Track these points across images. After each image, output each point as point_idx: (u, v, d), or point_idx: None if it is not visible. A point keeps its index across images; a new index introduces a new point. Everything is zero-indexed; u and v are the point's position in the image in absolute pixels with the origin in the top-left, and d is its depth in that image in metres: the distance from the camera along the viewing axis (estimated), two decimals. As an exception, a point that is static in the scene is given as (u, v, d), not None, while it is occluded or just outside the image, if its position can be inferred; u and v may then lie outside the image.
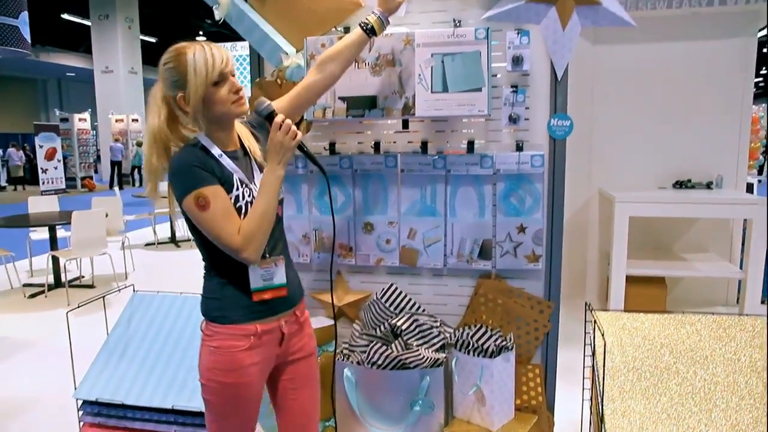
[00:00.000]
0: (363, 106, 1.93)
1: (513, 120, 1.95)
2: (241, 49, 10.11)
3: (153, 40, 20.85)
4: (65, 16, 17.77)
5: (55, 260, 5.58)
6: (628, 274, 3.65)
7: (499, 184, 2.00)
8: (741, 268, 3.94)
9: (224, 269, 1.45)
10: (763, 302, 4.22)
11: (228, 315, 1.45)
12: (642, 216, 3.71)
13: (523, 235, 2.00)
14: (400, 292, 2.12)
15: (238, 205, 1.40)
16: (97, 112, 18.39)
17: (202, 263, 1.50)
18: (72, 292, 5.37)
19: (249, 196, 1.43)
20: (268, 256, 1.47)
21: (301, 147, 1.48)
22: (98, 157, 19.75)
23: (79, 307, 2.44)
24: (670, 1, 3.82)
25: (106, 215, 5.85)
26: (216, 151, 1.42)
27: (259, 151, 1.52)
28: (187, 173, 1.36)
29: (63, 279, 5.60)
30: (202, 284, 1.51)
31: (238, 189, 1.41)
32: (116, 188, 7.51)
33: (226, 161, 1.42)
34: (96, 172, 19.41)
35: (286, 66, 2.03)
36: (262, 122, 1.53)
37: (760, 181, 9.98)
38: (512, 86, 1.94)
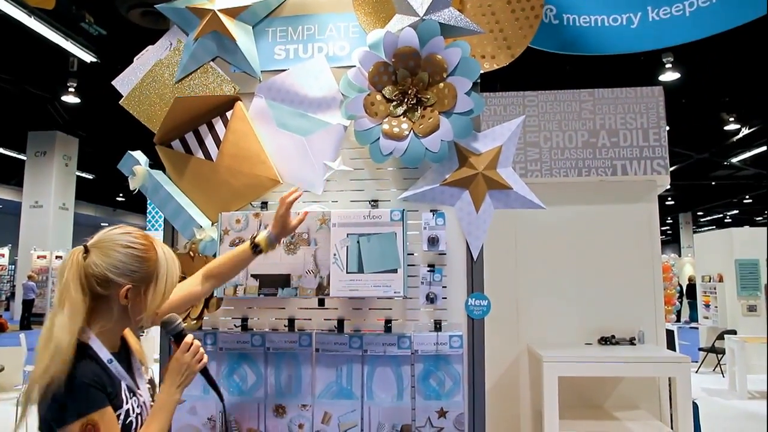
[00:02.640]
0: (276, 284, 1.87)
1: (430, 299, 1.93)
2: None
3: (90, 176, 20.65)
4: (0, 150, 17.50)
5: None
6: (562, 437, 3.52)
7: (418, 365, 1.91)
8: (672, 426, 3.89)
9: None
10: (697, 463, 4.13)
11: None
12: (570, 376, 3.69)
13: (444, 419, 1.89)
14: (313, 487, 1.91)
15: (128, 420, 1.28)
16: (19, 247, 17.47)
17: None
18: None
19: (138, 407, 1.31)
20: None
21: (204, 371, 1.39)
22: (12, 294, 18.38)
23: None
24: (580, 170, 4.17)
25: (2, 369, 5.28)
26: (105, 355, 1.29)
27: (140, 348, 1.41)
28: (85, 394, 1.20)
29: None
30: None
31: (127, 402, 1.29)
32: (22, 335, 6.88)
33: (115, 367, 1.29)
34: (7, 309, 17.94)
35: (200, 239, 1.98)
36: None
37: (680, 328, 10.41)
38: (429, 265, 1.95)
